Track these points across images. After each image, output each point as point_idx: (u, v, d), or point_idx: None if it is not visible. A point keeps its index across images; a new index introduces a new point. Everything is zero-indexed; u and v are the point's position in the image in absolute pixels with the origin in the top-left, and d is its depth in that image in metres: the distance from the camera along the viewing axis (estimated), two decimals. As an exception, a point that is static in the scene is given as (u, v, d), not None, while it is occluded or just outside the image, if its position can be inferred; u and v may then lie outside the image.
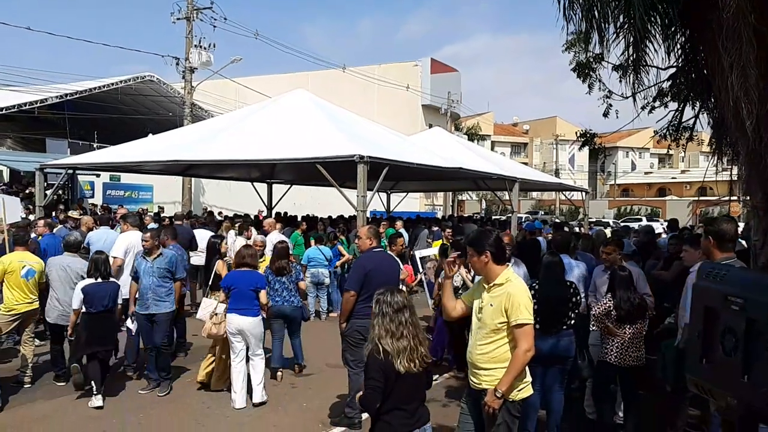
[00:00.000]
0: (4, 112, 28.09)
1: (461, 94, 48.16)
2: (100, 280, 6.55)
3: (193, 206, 23.60)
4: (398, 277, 6.46)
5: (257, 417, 6.34)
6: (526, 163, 55.28)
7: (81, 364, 6.57)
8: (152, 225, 11.79)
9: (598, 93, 7.99)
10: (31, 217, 13.07)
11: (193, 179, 23.56)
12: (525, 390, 4.00)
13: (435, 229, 16.44)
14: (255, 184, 20.94)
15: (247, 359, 6.71)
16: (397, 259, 6.74)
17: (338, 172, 12.21)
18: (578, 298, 5.65)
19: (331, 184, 12.33)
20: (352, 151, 11.45)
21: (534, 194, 59.64)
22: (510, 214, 18.23)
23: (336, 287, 11.75)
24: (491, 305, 3.94)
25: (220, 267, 7.64)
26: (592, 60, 7.49)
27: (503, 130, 77.46)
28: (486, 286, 4.03)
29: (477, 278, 4.38)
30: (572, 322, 5.60)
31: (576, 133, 9.39)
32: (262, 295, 6.67)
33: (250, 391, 6.65)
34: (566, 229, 13.96)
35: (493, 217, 30.74)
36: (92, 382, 6.44)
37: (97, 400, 6.39)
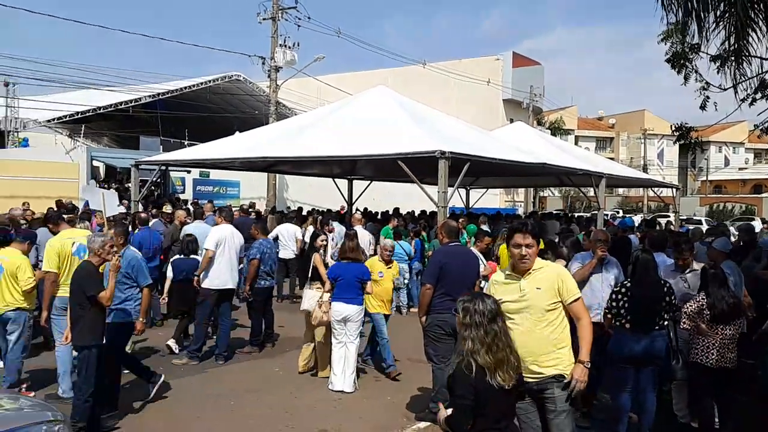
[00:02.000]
0: (101, 111, 29.81)
1: (544, 88, 47.09)
2: (182, 256, 8.52)
3: (277, 202, 24.22)
4: (476, 273, 6.40)
5: (343, 409, 6.45)
6: (612, 159, 53.37)
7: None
8: (207, 217, 11.49)
9: (693, 85, 7.61)
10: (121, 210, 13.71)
11: (277, 175, 24.16)
12: None
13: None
14: (336, 180, 21.27)
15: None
16: (479, 254, 6.68)
17: (418, 168, 12.22)
18: (672, 297, 5.42)
19: (412, 180, 12.35)
20: (433, 147, 11.42)
21: (620, 191, 57.57)
22: (596, 212, 17.66)
23: (416, 282, 11.76)
24: (538, 288, 4.02)
25: (317, 260, 7.82)
26: (688, 50, 7.14)
27: (587, 124, 75.14)
28: (517, 276, 4.10)
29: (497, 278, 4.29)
30: (665, 322, 5.39)
31: (671, 126, 8.98)
32: (369, 286, 7.15)
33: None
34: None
35: (577, 215, 29.91)
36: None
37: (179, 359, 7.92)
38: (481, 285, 6.48)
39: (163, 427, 5.82)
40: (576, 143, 59.10)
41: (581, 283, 5.65)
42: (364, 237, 11.87)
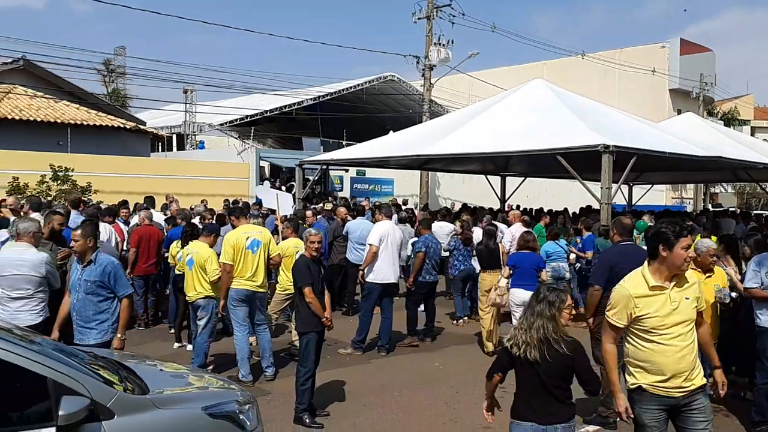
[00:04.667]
0: (268, 114, 31.98)
1: (715, 76, 43.35)
2: None
3: (429, 199, 24.50)
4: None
5: (507, 407, 6.37)
6: (796, 151, 47.86)
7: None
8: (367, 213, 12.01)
9: None
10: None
11: (429, 173, 24.44)
12: None
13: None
14: (489, 176, 21.10)
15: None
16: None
17: (578, 163, 11.81)
18: None
19: (571, 176, 11.94)
20: (596, 141, 10.98)
21: (806, 186, 51.48)
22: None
23: (577, 283, 11.31)
24: (687, 298, 3.81)
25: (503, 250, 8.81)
26: None
27: (766, 113, 67.98)
28: (661, 285, 3.79)
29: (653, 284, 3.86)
30: None
31: None
32: (543, 273, 7.92)
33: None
34: None
35: (754, 212, 27.17)
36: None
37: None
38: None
39: (333, 412, 6.12)
40: (752, 134, 53.72)
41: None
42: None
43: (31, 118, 19.90)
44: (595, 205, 13.36)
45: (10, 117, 19.44)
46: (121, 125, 22.66)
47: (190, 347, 7.93)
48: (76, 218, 8.35)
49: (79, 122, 20.99)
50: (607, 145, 10.63)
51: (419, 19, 23.78)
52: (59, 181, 15.68)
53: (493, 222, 12.20)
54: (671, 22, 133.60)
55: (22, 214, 8.41)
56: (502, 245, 8.76)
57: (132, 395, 3.42)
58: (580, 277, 10.77)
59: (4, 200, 10.90)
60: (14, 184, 14.94)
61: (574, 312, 3.61)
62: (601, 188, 11.06)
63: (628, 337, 3.89)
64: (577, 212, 17.88)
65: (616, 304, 3.87)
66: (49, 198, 14.23)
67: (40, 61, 23.64)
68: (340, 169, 23.89)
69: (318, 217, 12.13)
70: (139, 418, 3.28)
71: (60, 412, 2.90)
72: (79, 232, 5.21)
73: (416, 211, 16.24)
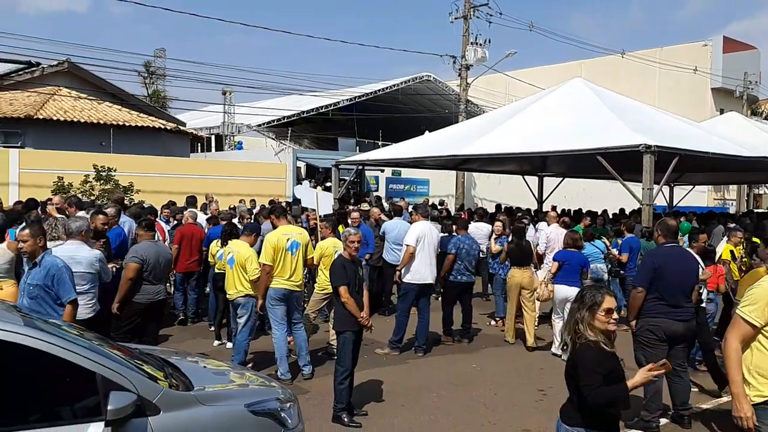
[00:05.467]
0: (305, 115, 32.25)
1: (759, 74, 42.14)
2: None
3: (465, 199, 24.39)
4: (695, 277, 5.94)
5: (546, 408, 6.32)
6: None
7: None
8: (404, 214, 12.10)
9: None
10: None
11: (465, 173, 24.33)
12: None
13: (731, 225, 14.64)
14: (526, 177, 20.90)
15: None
16: (698, 257, 6.18)
17: (617, 163, 11.63)
18: None
19: (611, 177, 11.78)
20: (637, 141, 10.81)
21: None
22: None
23: (617, 285, 11.11)
24: None
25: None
26: None
27: (814, 112, 65.88)
28: None
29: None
30: None
31: None
32: (587, 272, 8.36)
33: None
34: None
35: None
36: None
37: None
38: (700, 291, 6.00)
39: (370, 411, 6.13)
40: (800, 134, 52.02)
41: None
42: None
43: (75, 120, 20.40)
44: (636, 207, 13.16)
45: (55, 118, 19.98)
46: (162, 126, 23.10)
47: (229, 345, 8.04)
48: (122, 218, 8.53)
49: (121, 123, 21.47)
50: (648, 145, 10.47)
51: (456, 19, 23.70)
52: (102, 181, 16.06)
53: (523, 220, 12.13)
54: (712, 21, 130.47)
55: (67, 213, 8.63)
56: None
57: (177, 391, 3.47)
58: (618, 279, 10.61)
59: (50, 199, 11.20)
60: (59, 183, 15.36)
61: (616, 316, 3.42)
62: (642, 189, 10.89)
63: (757, 343, 3.54)
64: (617, 213, 17.58)
65: (757, 300, 3.52)
66: (93, 197, 14.58)
67: (83, 63, 24.29)
68: (375, 170, 23.96)
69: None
70: (184, 414, 3.33)
71: (109, 407, 2.95)
72: (27, 231, 4.95)
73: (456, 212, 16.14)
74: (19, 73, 22.28)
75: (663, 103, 29.62)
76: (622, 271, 10.15)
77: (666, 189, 22.96)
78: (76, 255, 5.63)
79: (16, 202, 11.84)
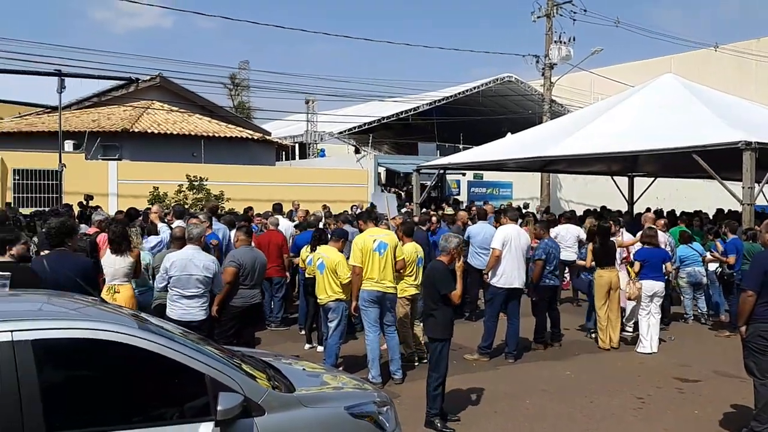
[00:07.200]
0: (385, 121, 32.54)
1: None
2: None
3: (550, 202, 23.85)
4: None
5: (644, 418, 6.11)
6: None
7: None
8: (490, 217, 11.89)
9: None
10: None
11: (550, 175, 23.82)
12: None
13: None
14: (615, 177, 20.21)
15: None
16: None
17: (714, 162, 11.12)
18: None
19: (708, 176, 11.26)
20: (736, 137, 10.30)
21: None
22: None
23: (718, 288, 10.55)
24: None
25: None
26: None
27: None
28: None
29: None
30: None
31: None
32: (668, 265, 8.87)
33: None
34: None
35: None
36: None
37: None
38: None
39: (463, 417, 6.08)
40: None
41: None
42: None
43: (168, 132, 21.46)
44: (735, 207, 12.52)
45: (149, 131, 21.08)
46: (249, 136, 23.92)
47: (320, 348, 8.20)
48: (216, 225, 8.89)
49: (211, 134, 22.39)
50: (748, 141, 10.00)
51: (538, 17, 23.30)
52: (194, 191, 16.77)
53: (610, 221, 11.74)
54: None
55: (167, 221, 9.07)
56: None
57: (280, 393, 3.57)
58: (724, 283, 10.04)
59: (149, 209, 11.81)
60: (155, 193, 16.16)
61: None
62: (743, 188, 10.36)
63: None
64: (716, 214, 16.72)
65: None
66: (187, 206, 15.26)
67: (173, 77, 25.50)
68: (457, 173, 23.84)
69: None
70: (288, 416, 3.42)
71: (219, 408, 3.06)
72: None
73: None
74: (117, 88, 23.68)
75: (762, 98, 27.93)
76: (734, 273, 9.56)
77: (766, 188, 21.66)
78: (195, 259, 6.16)
79: (117, 212, 12.55)
